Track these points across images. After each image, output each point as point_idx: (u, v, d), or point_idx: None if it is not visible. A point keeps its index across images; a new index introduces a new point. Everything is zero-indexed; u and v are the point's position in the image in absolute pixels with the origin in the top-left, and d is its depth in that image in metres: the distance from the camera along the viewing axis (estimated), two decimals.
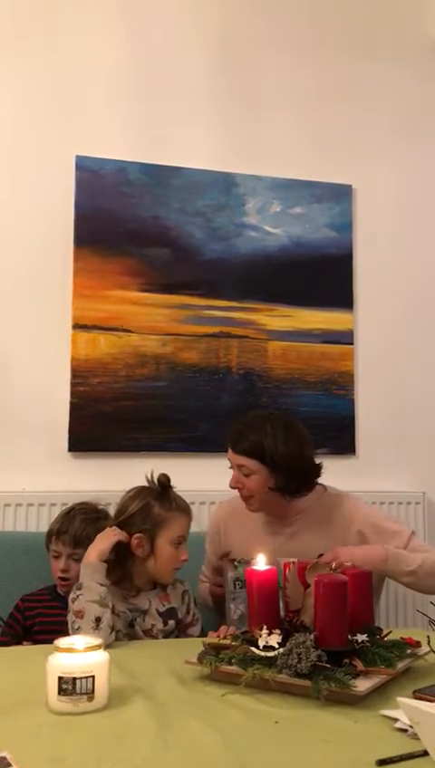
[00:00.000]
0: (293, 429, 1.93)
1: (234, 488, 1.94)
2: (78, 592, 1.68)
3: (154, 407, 2.69)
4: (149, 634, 1.76)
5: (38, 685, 1.25)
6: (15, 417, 2.58)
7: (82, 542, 2.07)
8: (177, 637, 1.82)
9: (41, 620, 1.99)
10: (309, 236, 2.92)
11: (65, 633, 1.93)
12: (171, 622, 1.79)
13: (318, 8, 3.03)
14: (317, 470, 1.96)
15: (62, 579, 2.03)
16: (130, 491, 1.85)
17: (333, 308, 2.91)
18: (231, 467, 1.94)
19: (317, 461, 1.97)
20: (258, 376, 2.81)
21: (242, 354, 2.81)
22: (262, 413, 2.05)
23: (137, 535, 1.76)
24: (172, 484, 1.84)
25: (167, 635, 1.78)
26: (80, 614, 1.64)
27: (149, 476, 1.85)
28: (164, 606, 1.80)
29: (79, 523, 2.10)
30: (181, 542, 1.80)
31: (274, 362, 2.84)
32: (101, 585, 1.68)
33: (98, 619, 1.62)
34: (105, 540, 1.75)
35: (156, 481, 1.83)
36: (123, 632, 1.73)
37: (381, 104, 3.07)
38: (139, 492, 1.83)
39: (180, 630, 1.83)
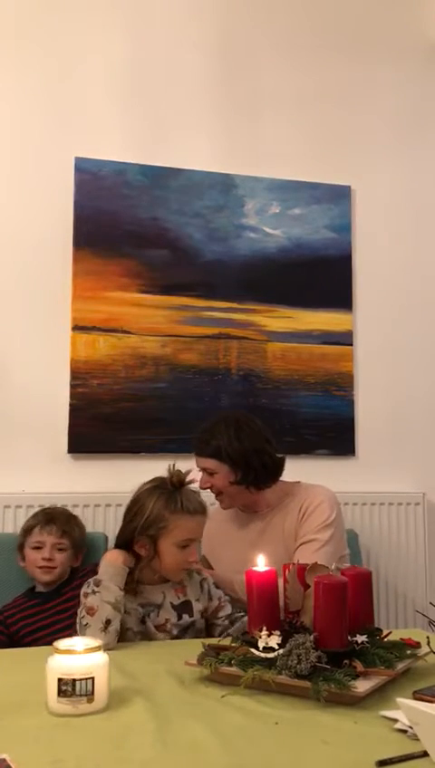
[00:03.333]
0: (244, 427, 2.08)
1: (203, 489, 2.06)
2: (95, 588, 1.66)
3: (154, 408, 2.69)
4: (162, 629, 1.73)
5: (38, 686, 1.24)
6: (15, 418, 2.58)
7: (68, 534, 2.17)
8: (208, 625, 1.79)
9: (24, 623, 2.02)
10: (308, 237, 2.92)
11: (52, 627, 1.96)
12: (185, 616, 1.75)
13: (317, 10, 3.03)
14: (277, 463, 2.10)
15: (45, 566, 2.08)
16: (146, 484, 1.81)
17: (333, 309, 2.92)
18: (200, 471, 2.09)
19: (278, 456, 2.11)
20: (258, 377, 2.82)
21: (241, 355, 2.81)
22: (219, 416, 2.19)
23: (139, 539, 1.73)
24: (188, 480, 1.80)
25: (182, 630, 1.74)
26: (91, 611, 1.63)
27: (171, 470, 1.80)
28: (179, 599, 1.77)
29: (61, 515, 2.21)
30: (188, 544, 1.75)
31: (273, 363, 2.84)
32: (120, 589, 1.66)
33: (108, 622, 1.61)
34: (126, 554, 1.75)
35: (171, 477, 1.78)
36: (135, 630, 1.70)
37: (379, 105, 3.07)
38: (152, 490, 1.77)
39: (212, 615, 1.80)
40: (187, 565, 1.77)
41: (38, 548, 2.11)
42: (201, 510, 1.79)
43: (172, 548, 1.73)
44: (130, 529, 1.76)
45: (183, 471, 1.81)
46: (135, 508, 1.77)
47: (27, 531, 2.17)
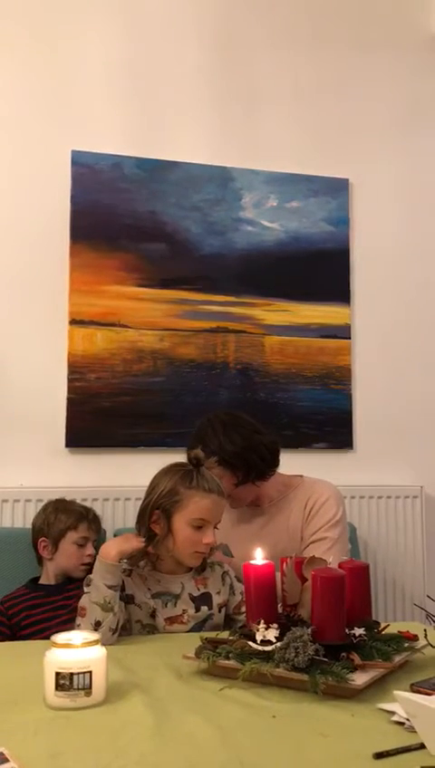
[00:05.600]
0: (231, 426, 2.02)
1: None
2: (85, 588, 1.66)
3: (151, 402, 2.69)
4: (179, 620, 1.69)
5: (36, 680, 1.25)
6: (13, 413, 2.58)
7: (99, 531, 2.21)
8: (228, 620, 1.76)
9: (25, 614, 2.02)
10: (306, 231, 2.91)
11: (53, 621, 1.96)
12: (204, 608, 1.72)
13: (315, 2, 3.02)
14: (273, 451, 2.04)
15: (89, 563, 2.06)
16: (166, 466, 1.79)
17: (331, 302, 2.91)
18: None
19: (271, 441, 2.04)
20: (256, 371, 2.81)
21: (239, 349, 2.80)
22: (203, 421, 2.09)
23: (155, 511, 1.70)
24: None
25: (199, 623, 1.71)
26: (82, 612, 1.63)
27: (190, 452, 1.79)
28: (199, 590, 1.73)
29: (94, 511, 2.22)
30: (202, 525, 1.69)
31: (271, 357, 2.84)
32: (110, 587, 1.61)
33: (97, 623, 1.59)
34: (129, 542, 1.69)
35: (189, 457, 1.76)
36: (144, 623, 1.68)
37: (378, 98, 3.06)
38: (169, 468, 1.76)
39: (234, 611, 1.77)
40: (201, 547, 1.70)
41: (82, 545, 2.12)
42: (217, 490, 1.73)
43: (185, 527, 1.69)
44: (145, 505, 1.73)
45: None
46: (152, 485, 1.75)
47: (72, 526, 2.13)
